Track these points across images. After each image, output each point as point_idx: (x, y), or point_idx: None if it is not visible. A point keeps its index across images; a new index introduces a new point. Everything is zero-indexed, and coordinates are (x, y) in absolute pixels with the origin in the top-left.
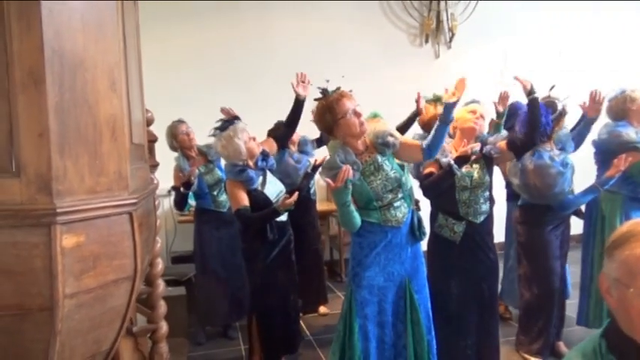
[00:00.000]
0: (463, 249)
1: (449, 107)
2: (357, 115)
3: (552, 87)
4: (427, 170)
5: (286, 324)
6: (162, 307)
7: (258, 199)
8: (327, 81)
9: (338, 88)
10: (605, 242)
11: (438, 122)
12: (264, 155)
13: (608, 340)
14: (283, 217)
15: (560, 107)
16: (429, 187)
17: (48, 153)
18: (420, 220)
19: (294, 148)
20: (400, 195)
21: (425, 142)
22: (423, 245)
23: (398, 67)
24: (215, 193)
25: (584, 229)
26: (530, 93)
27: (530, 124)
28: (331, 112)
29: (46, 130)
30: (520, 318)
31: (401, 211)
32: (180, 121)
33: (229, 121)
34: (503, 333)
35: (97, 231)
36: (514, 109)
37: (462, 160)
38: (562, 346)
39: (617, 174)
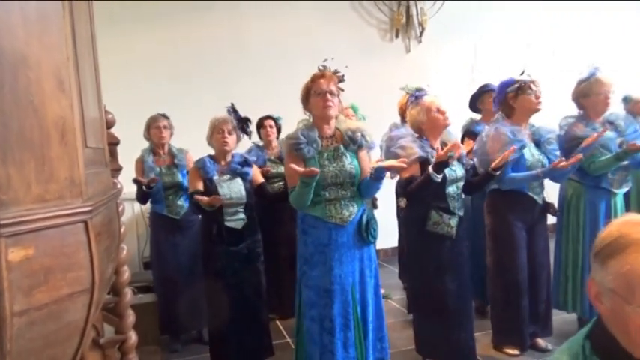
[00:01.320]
0: (454, 243)
1: (381, 171)
2: (324, 99)
3: (522, 72)
4: (407, 174)
5: (242, 334)
6: (130, 316)
7: (210, 191)
8: (325, 60)
9: (336, 71)
10: (576, 228)
11: (370, 179)
12: (244, 161)
13: (592, 342)
14: (235, 225)
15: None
16: (414, 195)
17: None
18: (369, 222)
19: (271, 152)
20: (350, 194)
21: (365, 180)
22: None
23: (369, 63)
24: (170, 197)
25: (557, 219)
26: (494, 169)
27: (475, 186)
28: (307, 87)
29: None
30: (490, 311)
31: (348, 210)
32: (162, 115)
33: (245, 121)
34: (482, 326)
35: (48, 242)
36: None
37: (441, 166)
38: (540, 342)
39: (561, 167)
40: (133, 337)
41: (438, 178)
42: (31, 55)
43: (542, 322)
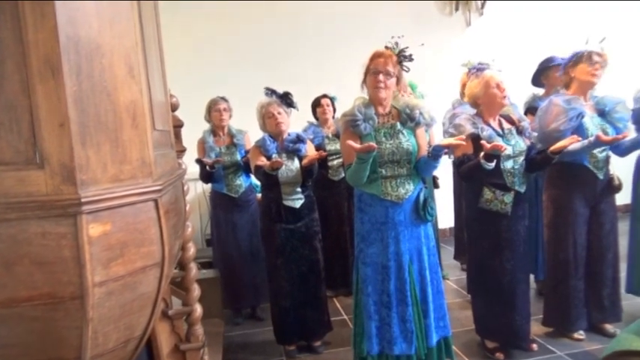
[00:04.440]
0: (510, 221)
1: (438, 149)
2: (376, 79)
3: (587, 42)
4: (460, 153)
5: (300, 309)
6: (195, 290)
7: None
8: (392, 37)
9: (402, 51)
10: None
11: (428, 157)
12: (297, 138)
13: None
14: (293, 204)
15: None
16: (465, 176)
17: (70, 143)
18: (426, 200)
19: (327, 130)
20: (406, 171)
21: (423, 158)
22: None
23: (427, 37)
24: (230, 176)
25: (632, 199)
26: (553, 152)
27: (536, 165)
28: (367, 64)
29: (66, 119)
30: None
31: (404, 187)
32: (222, 98)
33: (286, 95)
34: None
35: (122, 219)
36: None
37: (491, 157)
38: (608, 327)
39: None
40: (198, 309)
41: (490, 165)
42: (104, 43)
43: (608, 308)
